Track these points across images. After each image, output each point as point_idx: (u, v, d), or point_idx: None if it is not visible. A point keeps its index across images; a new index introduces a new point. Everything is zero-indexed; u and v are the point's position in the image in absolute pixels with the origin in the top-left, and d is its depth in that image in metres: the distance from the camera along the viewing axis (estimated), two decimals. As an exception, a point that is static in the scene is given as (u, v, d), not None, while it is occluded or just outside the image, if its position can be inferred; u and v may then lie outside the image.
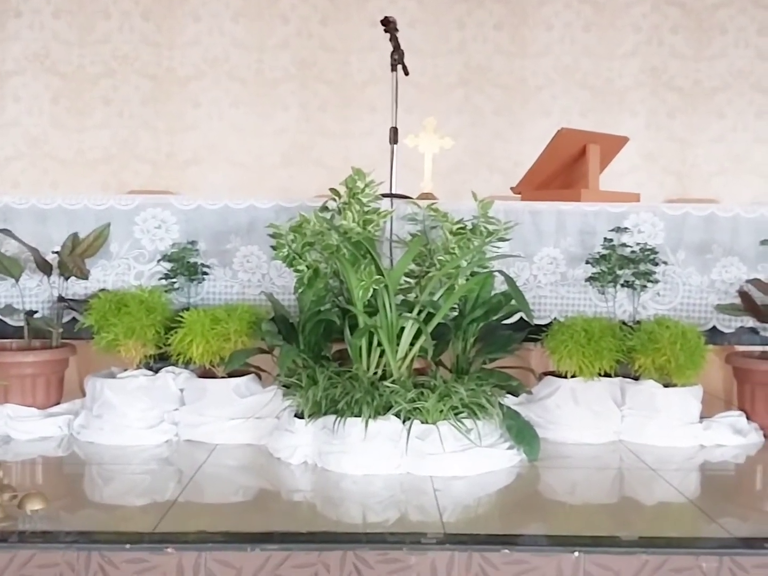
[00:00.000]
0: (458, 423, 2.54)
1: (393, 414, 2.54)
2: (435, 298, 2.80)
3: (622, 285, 3.12)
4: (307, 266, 2.85)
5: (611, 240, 3.14)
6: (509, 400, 2.83)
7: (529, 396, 3.00)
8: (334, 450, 2.54)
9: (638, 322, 3.12)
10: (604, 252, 3.11)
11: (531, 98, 6.13)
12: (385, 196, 3.11)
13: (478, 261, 2.85)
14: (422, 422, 2.55)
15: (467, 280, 2.86)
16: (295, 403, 2.70)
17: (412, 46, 5.98)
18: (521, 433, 2.66)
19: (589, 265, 3.17)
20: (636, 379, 3.02)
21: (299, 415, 2.66)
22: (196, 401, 2.90)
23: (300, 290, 2.85)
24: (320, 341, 2.86)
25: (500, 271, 2.65)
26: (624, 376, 3.01)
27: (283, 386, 2.80)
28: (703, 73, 6.15)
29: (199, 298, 3.23)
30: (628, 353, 2.95)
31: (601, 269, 3.09)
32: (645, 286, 3.11)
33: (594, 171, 3.43)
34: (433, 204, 3.06)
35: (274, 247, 2.85)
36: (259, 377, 3.02)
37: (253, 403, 2.88)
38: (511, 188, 3.57)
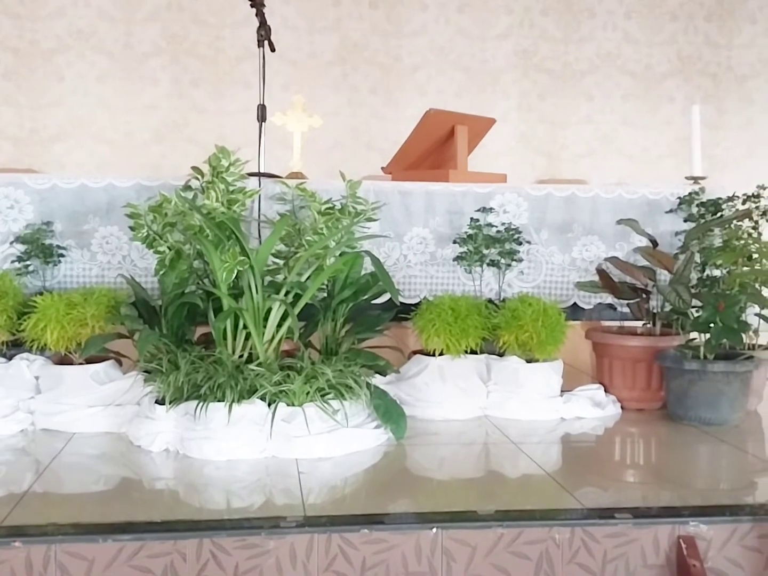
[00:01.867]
0: (324, 404, 2.52)
1: (258, 398, 2.50)
2: (303, 279, 2.77)
3: (488, 264, 3.18)
4: (168, 247, 2.76)
5: (477, 220, 3.18)
6: (378, 380, 2.84)
7: (398, 375, 3.02)
8: (197, 436, 2.47)
9: (504, 300, 3.19)
10: (471, 232, 3.15)
11: (407, 78, 6.15)
12: (252, 175, 3.05)
13: (347, 241, 2.84)
14: (288, 405, 2.52)
15: (336, 260, 2.84)
16: (156, 390, 2.62)
17: (287, 23, 5.91)
18: (388, 412, 2.67)
19: (456, 245, 3.21)
20: (501, 355, 3.08)
21: (160, 402, 2.58)
22: (52, 389, 2.77)
23: (161, 272, 2.76)
24: (183, 325, 2.78)
25: (366, 252, 2.64)
26: (489, 353, 3.07)
27: (145, 372, 2.71)
28: (572, 55, 6.32)
29: (55, 281, 3.09)
30: (493, 330, 3.01)
31: (467, 249, 3.14)
32: (509, 265, 3.18)
33: (462, 152, 3.46)
34: (301, 183, 3.02)
35: (132, 228, 2.75)
36: (119, 363, 2.91)
37: (113, 389, 2.78)
38: (382, 168, 3.57)
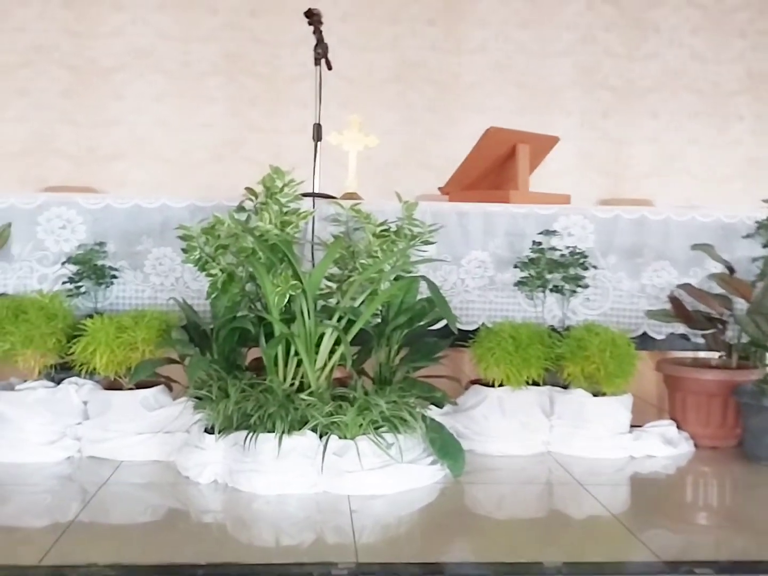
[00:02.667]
0: (378, 438, 2.40)
1: (309, 429, 2.39)
2: (356, 303, 2.66)
3: (551, 290, 3.03)
4: (221, 270, 2.68)
5: (540, 243, 3.04)
6: (434, 412, 2.71)
7: (455, 406, 2.88)
8: (246, 468, 2.38)
9: (568, 328, 3.03)
10: (533, 255, 3.01)
11: (464, 95, 6.04)
12: (306, 195, 2.96)
13: (402, 265, 2.72)
14: (340, 437, 2.41)
15: (391, 284, 2.73)
16: (205, 418, 2.53)
17: (344, 42, 5.85)
18: (445, 446, 2.53)
19: (517, 269, 3.07)
20: (565, 387, 2.92)
21: (210, 431, 2.49)
22: (100, 415, 2.71)
23: (213, 296, 2.68)
24: (234, 350, 2.69)
25: (423, 277, 2.52)
26: (553, 385, 2.92)
27: (195, 398, 2.63)
28: (637, 72, 6.14)
29: (107, 303, 3.03)
30: (556, 361, 2.85)
31: (529, 273, 2.99)
32: (575, 291, 3.02)
33: (523, 171, 3.33)
34: (356, 205, 2.91)
35: (184, 250, 2.68)
36: (170, 388, 2.83)
37: (162, 416, 2.70)
38: (439, 189, 3.45)
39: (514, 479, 2.62)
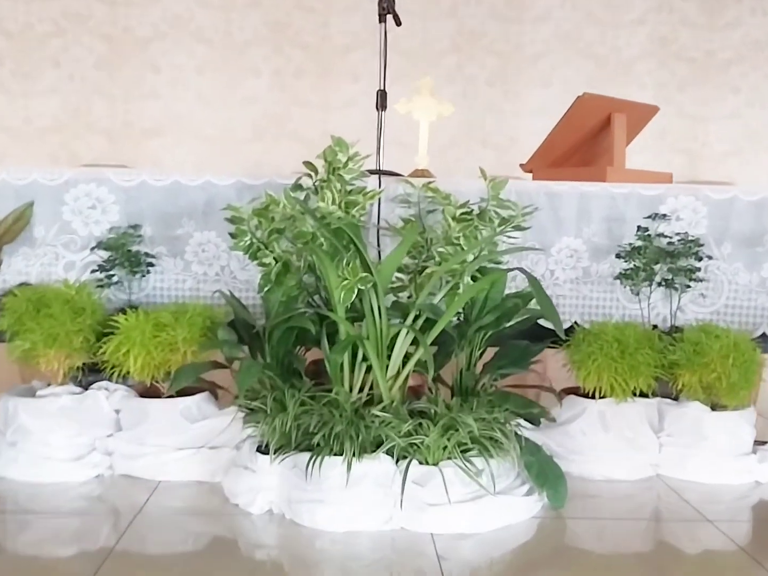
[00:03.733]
0: (466, 464, 1.99)
1: (384, 452, 1.98)
2: (435, 300, 2.24)
3: (659, 284, 2.57)
4: (275, 259, 2.27)
5: (647, 229, 2.58)
6: (526, 429, 2.29)
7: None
8: (308, 498, 1.98)
9: (676, 329, 2.59)
10: (639, 243, 2.56)
11: (528, 67, 5.55)
12: (371, 173, 2.54)
13: (489, 255, 2.29)
14: (421, 462, 2.00)
15: (474, 278, 2.30)
16: (258, 434, 2.13)
17: (399, 9, 5.39)
18: (544, 472, 2.11)
19: (617, 259, 2.62)
20: (675, 399, 2.48)
21: (263, 450, 2.09)
22: (135, 426, 2.32)
23: (266, 289, 2.28)
24: (291, 353, 2.29)
25: (521, 269, 2.08)
26: (663, 396, 2.48)
27: (246, 409, 2.23)
28: (717, 43, 5.59)
29: (143, 294, 2.64)
30: (669, 369, 2.41)
31: (634, 265, 2.54)
32: (688, 286, 2.57)
33: (620, 145, 2.87)
34: (430, 183, 2.48)
35: (233, 235, 2.27)
36: (215, 396, 2.44)
37: (207, 429, 2.31)
38: (521, 165, 3.01)
39: (620, 509, 2.20)
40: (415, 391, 2.37)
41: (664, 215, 2.58)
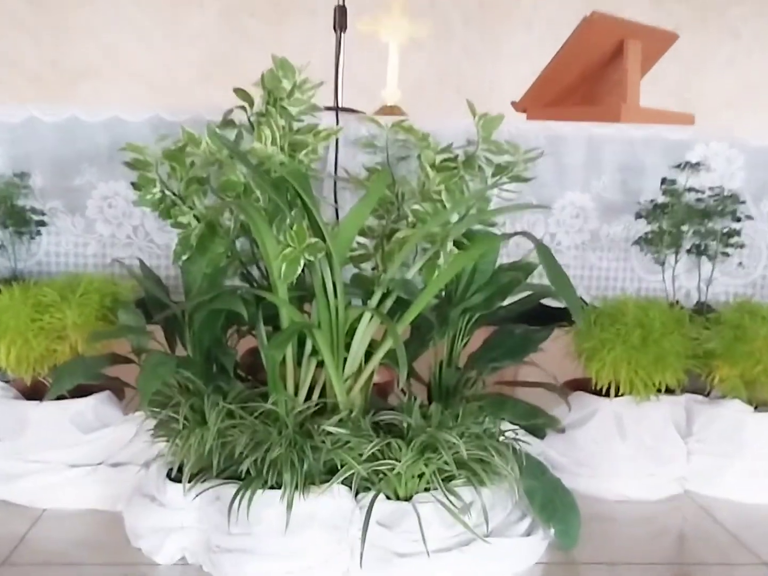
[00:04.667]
0: (450, 496, 1.46)
1: (339, 482, 1.45)
2: (408, 274, 1.69)
3: (689, 251, 2.06)
4: (196, 217, 1.71)
5: (674, 182, 2.06)
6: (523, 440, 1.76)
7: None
8: (234, 546, 1.44)
9: (706, 306, 2.08)
10: (664, 200, 2.03)
11: (509, 6, 4.97)
12: (327, 110, 1.99)
13: (480, 215, 1.74)
14: (389, 497, 1.47)
15: (458, 245, 1.75)
16: (169, 453, 1.58)
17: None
18: (551, 502, 1.59)
19: (634, 219, 2.10)
20: (707, 395, 1.99)
21: (176, 476, 1.55)
22: (11, 437, 1.76)
23: (184, 257, 1.71)
24: (218, 343, 1.73)
25: (527, 234, 1.53)
26: (692, 392, 1.98)
27: (156, 415, 1.68)
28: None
29: (33, 262, 2.06)
30: (703, 359, 1.90)
31: (658, 226, 2.02)
32: (724, 253, 2.05)
33: (634, 78, 2.35)
34: (402, 122, 1.92)
35: (137, 185, 1.70)
36: (120, 396, 1.88)
37: (107, 441, 1.75)
38: (513, 103, 2.45)
39: (641, 543, 1.70)
40: (381, 389, 1.84)
41: (697, 164, 2.05)
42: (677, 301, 2.13)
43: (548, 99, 2.39)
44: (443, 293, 1.85)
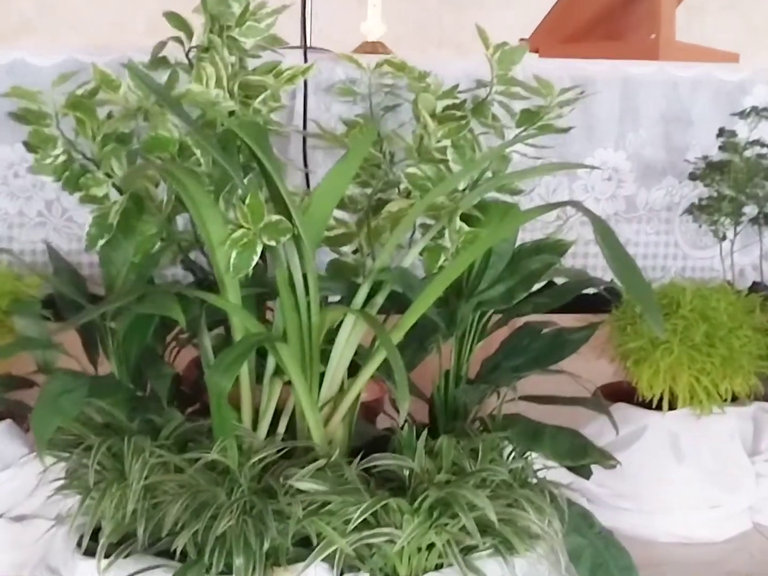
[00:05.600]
0: (469, 572, 1.04)
1: (318, 561, 1.02)
2: (405, 261, 1.25)
3: (753, 221, 1.64)
4: (117, 188, 1.26)
5: (733, 133, 1.63)
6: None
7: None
8: None
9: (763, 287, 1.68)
10: (723, 157, 1.61)
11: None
12: (293, 48, 1.56)
13: (498, 179, 1.30)
14: (386, 581, 1.05)
15: (465, 220, 1.31)
16: (82, 513, 1.15)
17: None
18: (602, 566, 1.18)
19: (676, 183, 1.68)
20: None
21: (89, 547, 1.11)
22: None
23: (102, 241, 1.26)
24: (149, 357, 1.29)
25: (576, 204, 1.08)
26: (764, 399, 1.57)
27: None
28: None
29: None
30: (782, 360, 1.50)
31: (717, 191, 1.59)
32: (799, 224, 1.63)
33: (669, 7, 1.90)
34: (388, 59, 1.48)
35: (29, 145, 1.24)
36: (24, 426, 1.43)
37: (7, 486, 1.32)
38: (522, 40, 2.00)
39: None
40: (368, 410, 1.41)
41: (764, 110, 1.62)
42: (730, 283, 1.72)
43: (565, 34, 1.95)
44: (451, 285, 1.42)
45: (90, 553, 1.11)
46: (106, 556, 1.08)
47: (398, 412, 1.34)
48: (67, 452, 1.14)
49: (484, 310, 1.40)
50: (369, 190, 1.40)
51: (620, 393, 1.56)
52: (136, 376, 1.27)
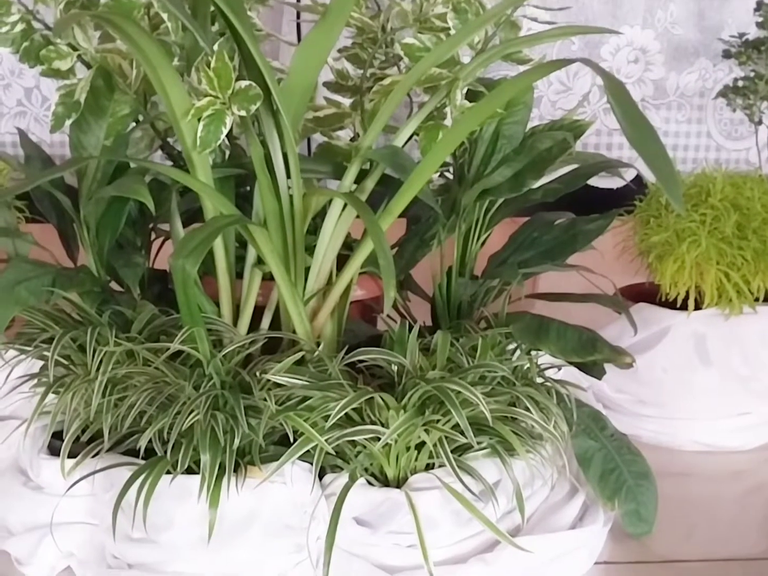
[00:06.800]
0: (462, 474, 0.95)
1: (295, 459, 0.93)
2: (398, 140, 1.12)
3: (795, 104, 1.48)
4: (83, 61, 1.15)
5: (774, 6, 1.46)
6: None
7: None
8: (137, 560, 0.95)
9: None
10: (760, 35, 1.44)
11: None
12: None
13: (504, 46, 1.16)
14: (371, 481, 0.96)
15: (470, 97, 1.17)
16: (52, 412, 1.07)
17: None
18: (614, 471, 1.08)
19: (710, 66, 1.52)
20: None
21: (56, 448, 1.04)
22: None
23: (69, 121, 1.16)
24: (123, 251, 1.19)
25: (587, 62, 0.94)
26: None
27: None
28: None
29: None
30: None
31: (752, 71, 1.43)
32: None
33: None
34: None
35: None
36: None
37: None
38: None
39: (734, 506, 1.21)
40: (366, 310, 1.31)
41: (811, -22, 1.44)
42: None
43: None
44: (453, 169, 1.30)
45: (56, 452, 1.03)
46: (74, 456, 1.01)
47: (402, 314, 1.25)
48: (29, 346, 1.05)
49: (492, 200, 1.27)
50: (364, 66, 1.27)
51: (643, 294, 1.44)
52: (110, 268, 1.18)
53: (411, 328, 1.03)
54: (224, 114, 0.98)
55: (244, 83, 0.98)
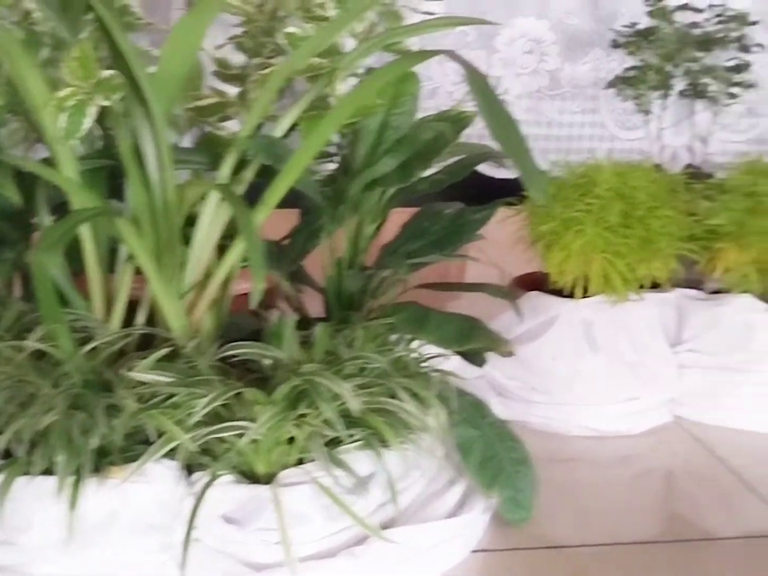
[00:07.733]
0: (334, 467, 0.94)
1: (160, 459, 0.91)
2: (278, 129, 1.11)
3: (683, 93, 1.50)
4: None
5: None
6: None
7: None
8: (1, 557, 0.93)
9: (704, 175, 1.56)
10: (651, 24, 1.46)
11: None
12: None
13: (386, 36, 1.15)
14: (238, 479, 0.95)
15: (361, 85, 1.16)
16: None
17: None
18: (493, 458, 1.09)
19: (605, 56, 1.54)
20: (700, 289, 1.49)
21: None
22: None
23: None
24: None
25: (452, 54, 0.94)
26: (687, 287, 1.47)
27: None
28: None
29: None
30: (708, 242, 1.39)
31: (641, 60, 1.45)
32: (733, 95, 1.49)
33: None
34: None
35: None
36: None
37: None
38: None
39: (623, 489, 1.23)
40: (267, 304, 1.29)
41: (695, -30, 1.47)
42: (659, 166, 1.60)
43: None
44: (341, 160, 1.29)
45: None
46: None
47: (290, 304, 1.24)
48: None
49: (381, 191, 1.27)
50: (251, 56, 1.25)
51: (536, 282, 1.46)
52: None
53: (284, 320, 1.02)
54: (86, 104, 0.95)
55: (107, 73, 0.96)
